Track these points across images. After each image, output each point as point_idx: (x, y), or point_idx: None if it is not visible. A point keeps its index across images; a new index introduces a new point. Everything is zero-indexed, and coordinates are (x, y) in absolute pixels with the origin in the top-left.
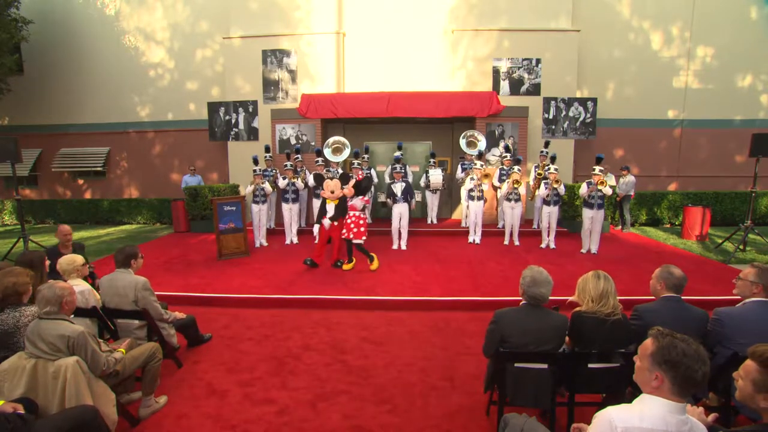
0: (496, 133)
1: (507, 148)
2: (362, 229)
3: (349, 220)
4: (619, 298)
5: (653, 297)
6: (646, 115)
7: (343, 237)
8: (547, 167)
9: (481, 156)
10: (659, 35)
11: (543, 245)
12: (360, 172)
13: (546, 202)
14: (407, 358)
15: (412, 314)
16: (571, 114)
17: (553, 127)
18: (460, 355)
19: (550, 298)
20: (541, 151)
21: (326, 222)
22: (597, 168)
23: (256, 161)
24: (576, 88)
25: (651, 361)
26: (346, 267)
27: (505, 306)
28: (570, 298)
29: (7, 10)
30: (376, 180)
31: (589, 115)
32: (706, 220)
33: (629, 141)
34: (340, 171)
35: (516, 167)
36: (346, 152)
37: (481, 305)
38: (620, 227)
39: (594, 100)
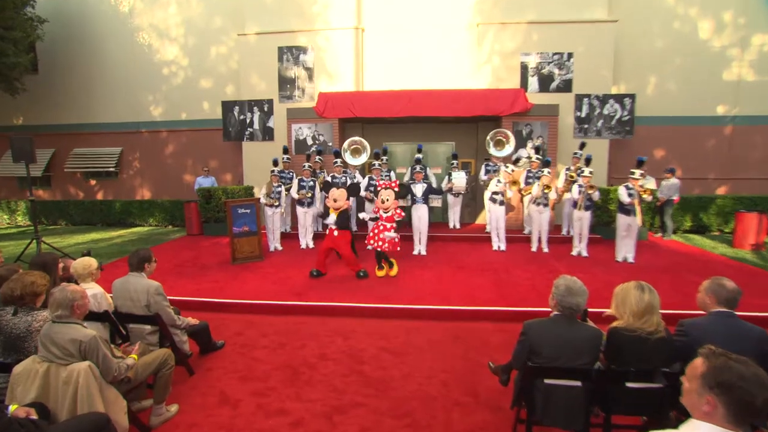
0: (524, 133)
1: (536, 149)
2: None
3: (376, 230)
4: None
5: (701, 312)
6: (691, 111)
7: (370, 247)
8: (580, 170)
9: (517, 161)
10: (709, 23)
11: (574, 253)
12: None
13: (577, 206)
14: (427, 370)
15: (432, 324)
16: (605, 112)
17: (586, 126)
18: (484, 368)
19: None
20: (575, 153)
21: (331, 219)
22: (637, 172)
23: (275, 163)
24: (612, 84)
25: (701, 384)
26: (391, 273)
27: (533, 317)
28: (607, 311)
29: (23, 9)
30: (362, 179)
31: (626, 113)
32: (763, 228)
33: (671, 140)
34: (357, 175)
35: (545, 170)
36: (366, 155)
37: (506, 316)
38: (660, 234)
39: (632, 97)
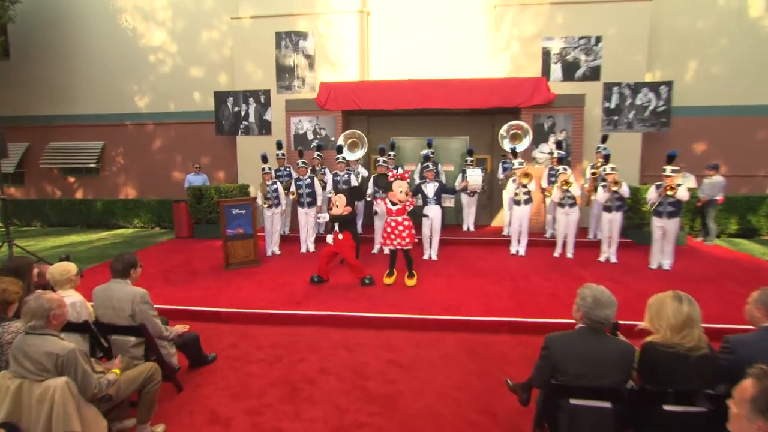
0: (546, 126)
1: (558, 144)
2: (409, 232)
3: (389, 229)
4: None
5: (750, 326)
6: (738, 100)
7: (396, 247)
8: (602, 167)
9: (516, 154)
10: None
11: (602, 258)
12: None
13: (606, 207)
14: (439, 387)
15: (444, 335)
16: (638, 102)
17: (616, 118)
18: (501, 385)
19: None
20: (598, 148)
21: (329, 238)
22: (668, 168)
23: (264, 159)
24: (646, 71)
25: (751, 408)
26: (410, 282)
27: (555, 329)
28: (640, 324)
29: None
30: (366, 174)
31: (661, 103)
32: None
33: (714, 133)
34: (361, 170)
35: (562, 167)
36: (363, 148)
37: (526, 327)
38: (702, 238)
39: (669, 84)
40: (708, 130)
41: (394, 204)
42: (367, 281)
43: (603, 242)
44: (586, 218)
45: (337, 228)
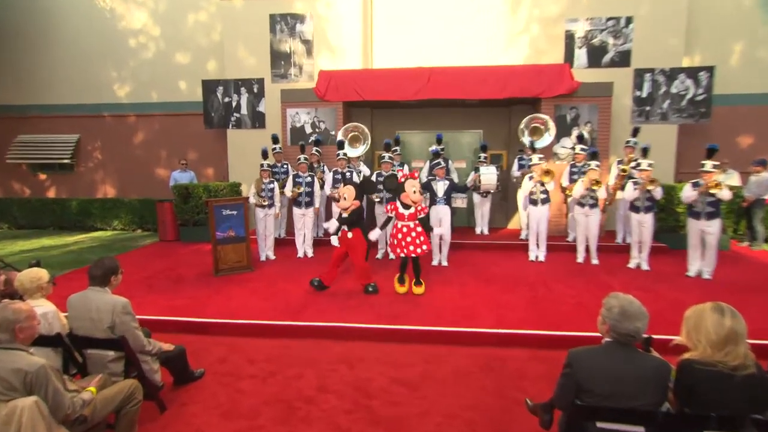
0: (568, 118)
1: (581, 138)
2: (421, 239)
3: (400, 235)
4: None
5: None
6: None
7: (411, 255)
8: (636, 163)
9: (533, 149)
10: None
11: (632, 265)
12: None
13: (634, 207)
14: (449, 407)
15: (455, 350)
16: (674, 90)
17: (648, 108)
18: (519, 406)
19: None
20: (627, 142)
21: (334, 240)
22: (708, 163)
23: (265, 154)
24: (683, 55)
25: None
26: (418, 291)
27: (579, 344)
28: (676, 339)
29: None
30: (368, 172)
31: (700, 91)
32: None
33: (761, 124)
34: (363, 167)
35: (593, 163)
36: (365, 144)
37: (546, 341)
38: (748, 243)
39: (710, 70)
40: (754, 121)
41: (406, 207)
42: (370, 289)
43: (632, 247)
44: (613, 221)
45: (345, 226)
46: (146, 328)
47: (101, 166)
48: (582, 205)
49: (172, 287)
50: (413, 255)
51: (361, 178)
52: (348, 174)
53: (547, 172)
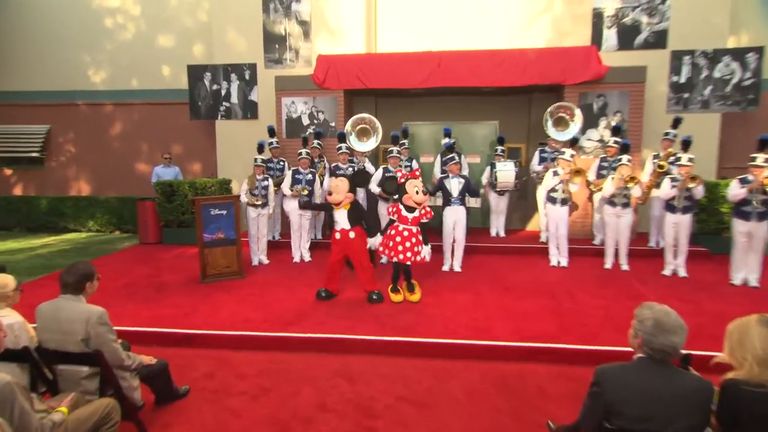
0: (595, 107)
1: (617, 130)
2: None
3: (399, 238)
4: None
5: None
6: None
7: (406, 262)
8: (675, 157)
9: (575, 143)
10: None
11: (667, 272)
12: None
13: (670, 207)
14: (462, 429)
15: (469, 365)
16: (717, 74)
17: (687, 95)
18: (540, 428)
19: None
20: (666, 134)
21: (341, 217)
22: (760, 157)
23: (261, 148)
24: (728, 34)
25: None
26: (412, 298)
27: (607, 359)
28: (718, 356)
29: None
30: (373, 170)
31: (748, 75)
32: None
33: None
34: (367, 164)
35: (624, 157)
36: (376, 138)
37: (570, 356)
38: None
39: (758, 51)
40: None
41: (410, 210)
42: (375, 297)
43: (668, 251)
44: (646, 222)
45: (343, 223)
46: (125, 341)
47: (74, 160)
48: (613, 204)
49: (154, 295)
50: (408, 262)
51: None
52: (350, 170)
53: (578, 172)
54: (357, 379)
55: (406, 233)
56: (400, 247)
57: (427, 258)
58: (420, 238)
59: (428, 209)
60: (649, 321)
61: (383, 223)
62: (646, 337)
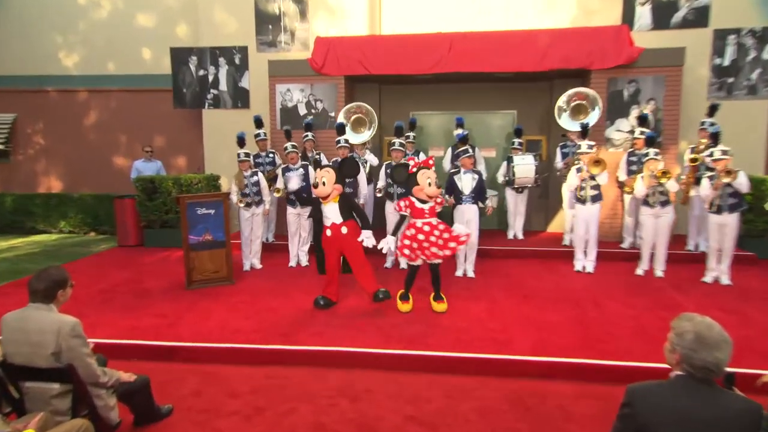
0: (626, 94)
1: (643, 119)
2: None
3: (422, 236)
4: None
5: None
6: None
7: (432, 260)
8: (708, 149)
9: (585, 133)
10: None
11: (708, 279)
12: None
13: (714, 207)
14: None
15: (483, 381)
16: (766, 56)
17: (731, 80)
18: None
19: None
20: (702, 123)
21: (332, 211)
22: None
23: (242, 141)
24: None
25: None
26: (439, 308)
27: (639, 377)
28: (766, 375)
29: None
30: (375, 162)
31: None
32: None
33: None
34: (369, 156)
35: (651, 150)
36: (371, 128)
37: (597, 373)
38: None
39: None
40: None
41: (423, 202)
42: (381, 296)
43: (710, 256)
44: (684, 222)
45: (333, 217)
46: (101, 355)
47: (44, 153)
48: (650, 204)
49: (134, 303)
50: (435, 260)
51: (368, 170)
52: None
53: (597, 162)
54: (360, 396)
55: (427, 228)
56: (426, 244)
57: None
58: (443, 227)
59: (441, 198)
60: (688, 334)
61: (391, 223)
62: (685, 352)
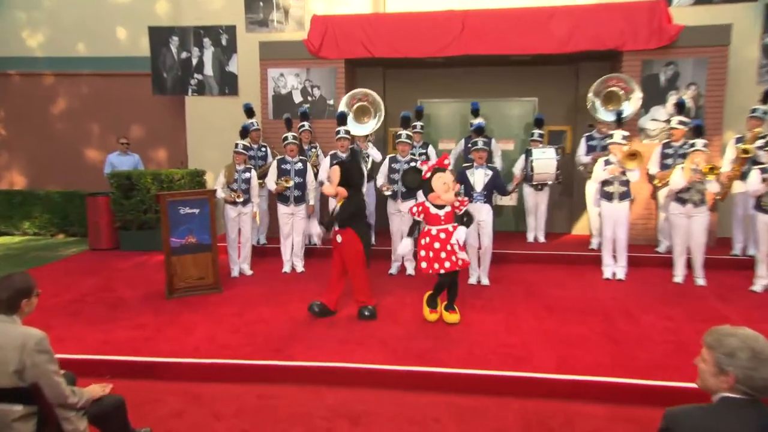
0: (663, 78)
1: (681, 106)
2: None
3: (438, 244)
4: None
5: None
6: None
7: (429, 271)
8: (762, 140)
9: (620, 121)
10: None
11: (757, 287)
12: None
13: (761, 205)
14: None
15: (500, 403)
16: None
17: None
18: None
19: None
20: (753, 111)
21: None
22: None
23: (245, 132)
24: None
25: None
26: (451, 319)
27: (678, 399)
28: None
29: None
30: (379, 157)
31: None
32: None
33: None
34: (371, 150)
35: (699, 142)
36: (376, 118)
37: (629, 393)
38: None
39: None
40: None
41: (439, 207)
42: (366, 313)
43: (759, 263)
44: (728, 223)
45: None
46: (70, 372)
47: (5, 145)
48: (682, 201)
49: (108, 314)
50: (454, 270)
51: (369, 165)
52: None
53: (633, 156)
54: (360, 419)
55: (443, 235)
56: (443, 254)
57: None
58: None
59: (462, 198)
60: (742, 352)
61: (395, 223)
62: (743, 372)
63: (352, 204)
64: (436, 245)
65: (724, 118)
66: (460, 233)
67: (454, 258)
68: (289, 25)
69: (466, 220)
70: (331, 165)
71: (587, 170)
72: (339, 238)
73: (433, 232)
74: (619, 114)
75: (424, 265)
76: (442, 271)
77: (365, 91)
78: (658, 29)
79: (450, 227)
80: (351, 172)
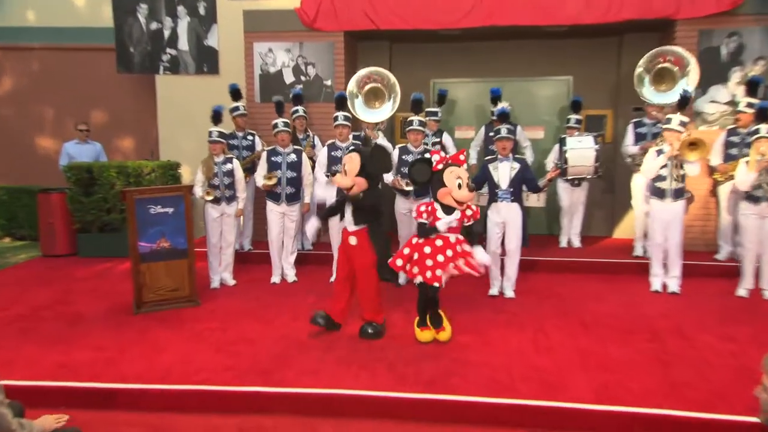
0: (724, 52)
1: (753, 85)
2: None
3: (429, 249)
4: None
5: None
6: None
7: (435, 283)
8: None
9: (685, 104)
10: None
11: None
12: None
13: None
14: None
15: None
16: None
17: None
18: None
19: None
20: None
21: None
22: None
23: (217, 117)
24: None
25: None
26: (441, 336)
27: None
28: None
29: None
30: (390, 149)
31: None
32: None
33: None
34: (381, 140)
35: (764, 127)
36: (392, 102)
37: (684, 428)
38: None
39: None
40: None
41: (448, 211)
42: (370, 331)
43: None
44: None
45: (347, 219)
46: (17, 402)
47: None
48: (755, 200)
49: (64, 332)
50: (434, 283)
51: None
52: (353, 147)
53: (694, 145)
54: None
55: (439, 242)
56: (429, 262)
57: (485, 263)
58: (459, 249)
59: (474, 208)
60: None
61: (403, 223)
62: None
63: (369, 198)
64: (427, 249)
65: None
66: (482, 256)
67: (439, 272)
68: None
69: (470, 237)
70: (329, 154)
71: (635, 162)
72: (353, 240)
73: (439, 238)
74: (685, 94)
75: (399, 262)
76: (419, 278)
77: (380, 72)
78: None
79: (453, 237)
80: (374, 159)
